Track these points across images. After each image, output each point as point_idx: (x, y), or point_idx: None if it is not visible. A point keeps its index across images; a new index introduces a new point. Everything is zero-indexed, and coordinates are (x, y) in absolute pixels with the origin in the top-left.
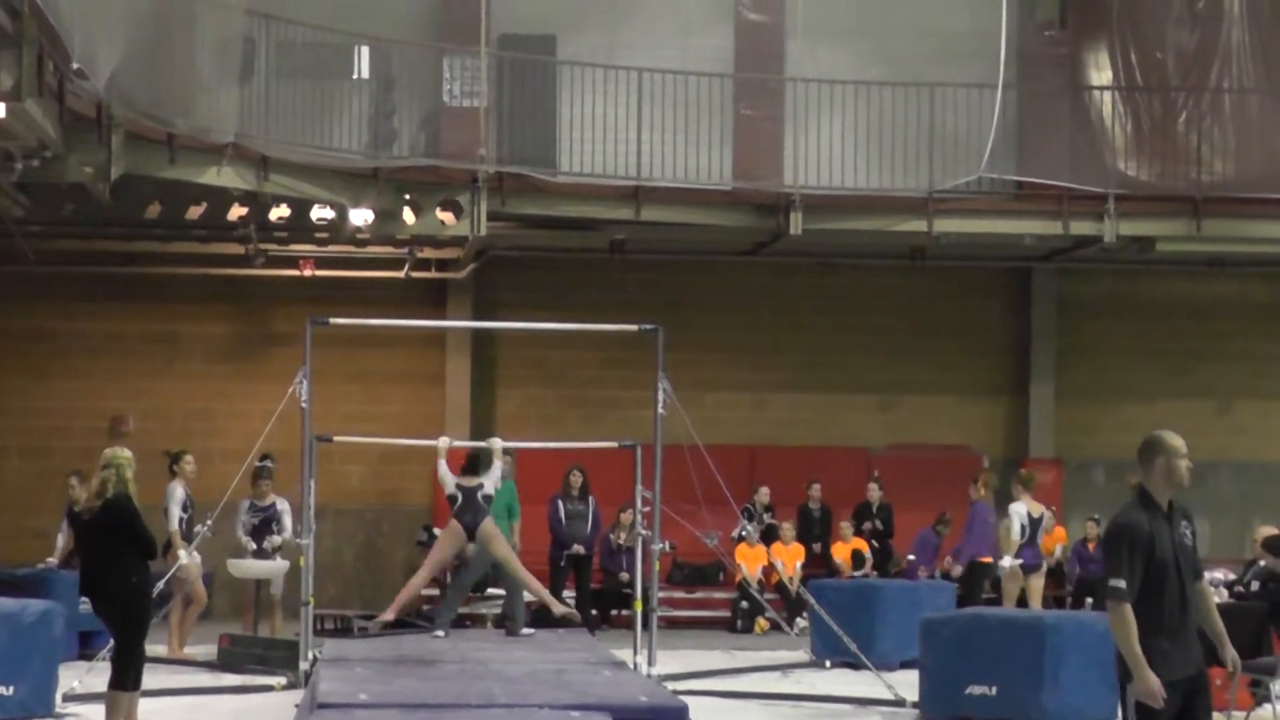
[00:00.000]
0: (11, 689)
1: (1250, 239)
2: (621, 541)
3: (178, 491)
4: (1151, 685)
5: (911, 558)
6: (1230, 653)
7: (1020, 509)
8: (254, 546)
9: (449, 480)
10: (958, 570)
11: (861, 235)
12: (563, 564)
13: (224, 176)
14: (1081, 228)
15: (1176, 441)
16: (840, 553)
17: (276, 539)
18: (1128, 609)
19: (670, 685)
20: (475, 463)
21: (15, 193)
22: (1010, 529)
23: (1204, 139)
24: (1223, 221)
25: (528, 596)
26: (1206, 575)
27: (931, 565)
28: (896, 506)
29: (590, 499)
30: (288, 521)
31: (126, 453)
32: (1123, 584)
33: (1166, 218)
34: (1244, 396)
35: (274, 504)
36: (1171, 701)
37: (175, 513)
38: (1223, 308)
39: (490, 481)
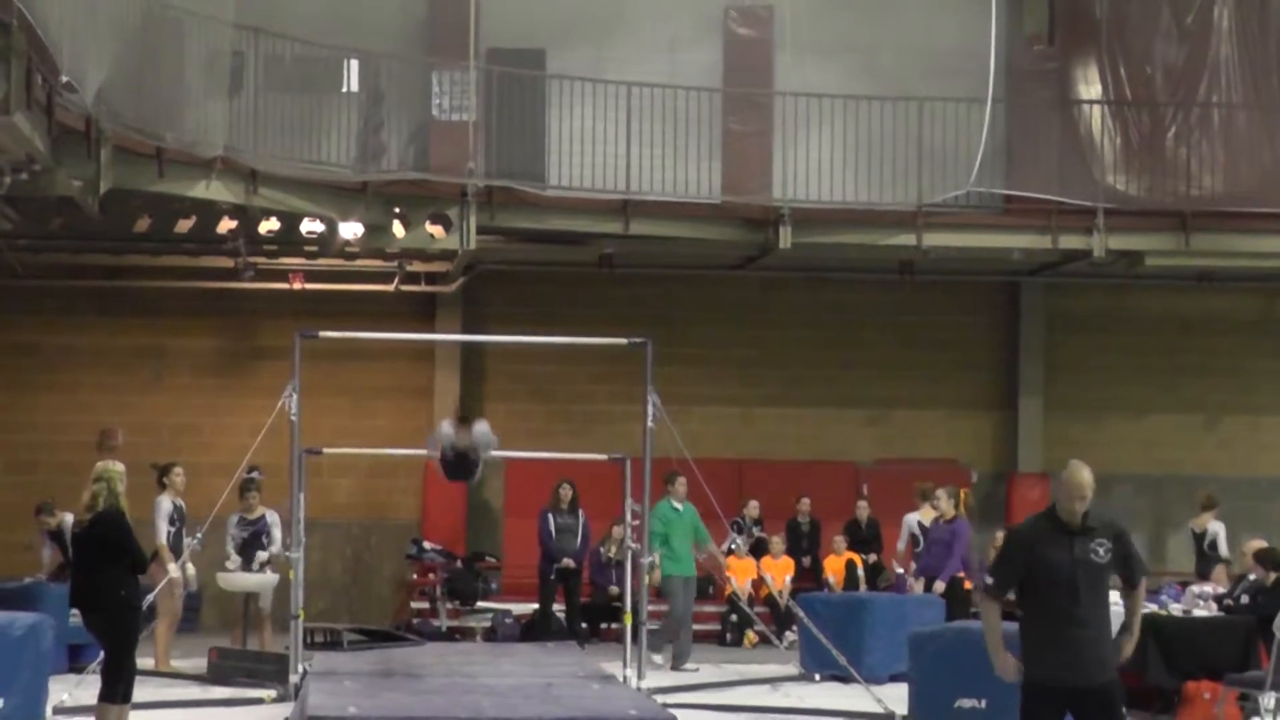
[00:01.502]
0: (1, 701)
1: (1239, 254)
2: (611, 555)
3: (164, 505)
4: (1005, 664)
5: (900, 571)
6: (1121, 639)
7: (913, 519)
8: (240, 561)
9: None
10: (939, 587)
11: (850, 249)
12: (552, 577)
13: (213, 190)
14: (1070, 242)
15: (1075, 479)
16: (832, 566)
17: (264, 554)
18: (990, 604)
19: (659, 699)
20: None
21: (3, 206)
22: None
23: (1193, 153)
24: (1211, 236)
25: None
26: (1194, 589)
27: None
28: (885, 521)
29: (580, 512)
30: (277, 534)
31: (119, 466)
32: (991, 579)
33: (1155, 232)
34: (1232, 411)
35: (263, 517)
36: (1050, 704)
37: (162, 526)
38: (1211, 322)
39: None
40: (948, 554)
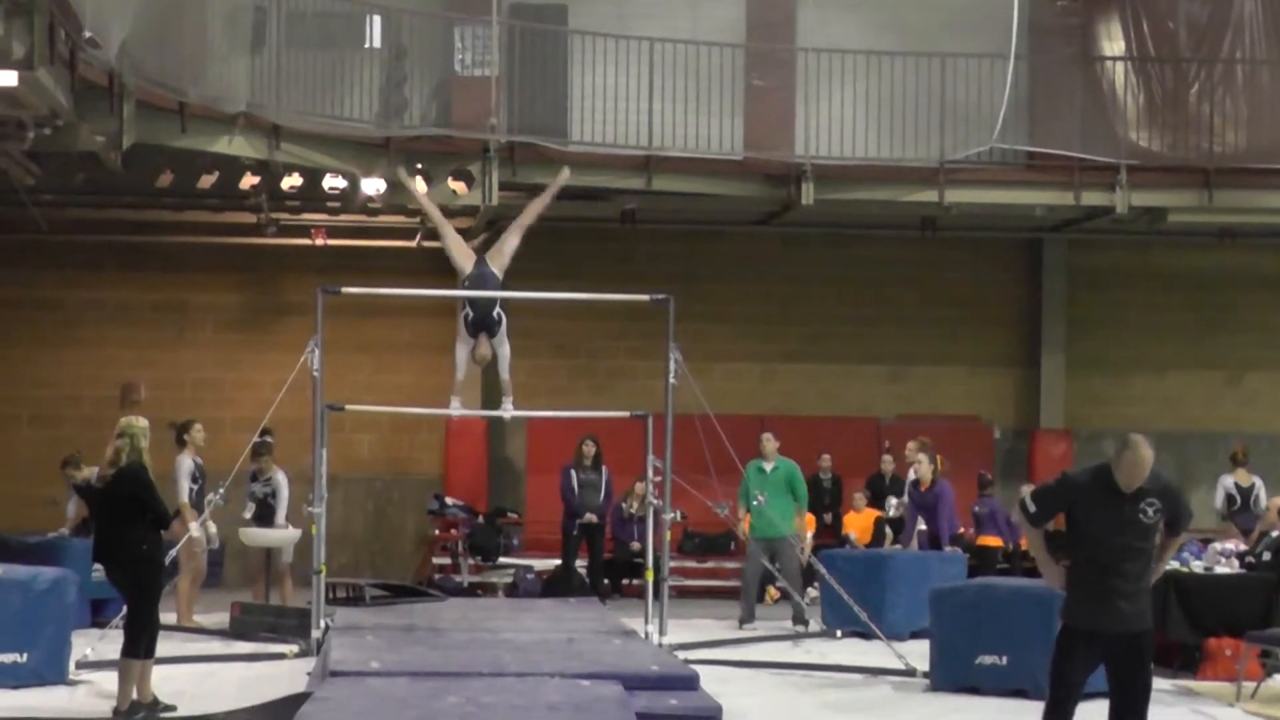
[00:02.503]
0: (25, 656)
1: (1262, 210)
2: (633, 511)
3: (186, 463)
4: (1053, 576)
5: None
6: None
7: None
8: (262, 515)
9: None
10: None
11: (872, 205)
12: (575, 533)
13: (235, 146)
14: (1093, 198)
15: (1136, 459)
16: (853, 524)
17: (282, 512)
18: (1030, 530)
19: (681, 654)
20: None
21: (27, 161)
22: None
23: (1216, 110)
24: (1234, 192)
25: (540, 564)
26: (1217, 545)
27: (1012, 535)
28: (907, 477)
29: (603, 468)
30: (284, 494)
31: (142, 422)
32: (1033, 508)
33: (1178, 189)
34: (1255, 368)
35: (272, 478)
36: (1082, 648)
37: (185, 485)
38: (1234, 279)
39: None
40: (936, 519)
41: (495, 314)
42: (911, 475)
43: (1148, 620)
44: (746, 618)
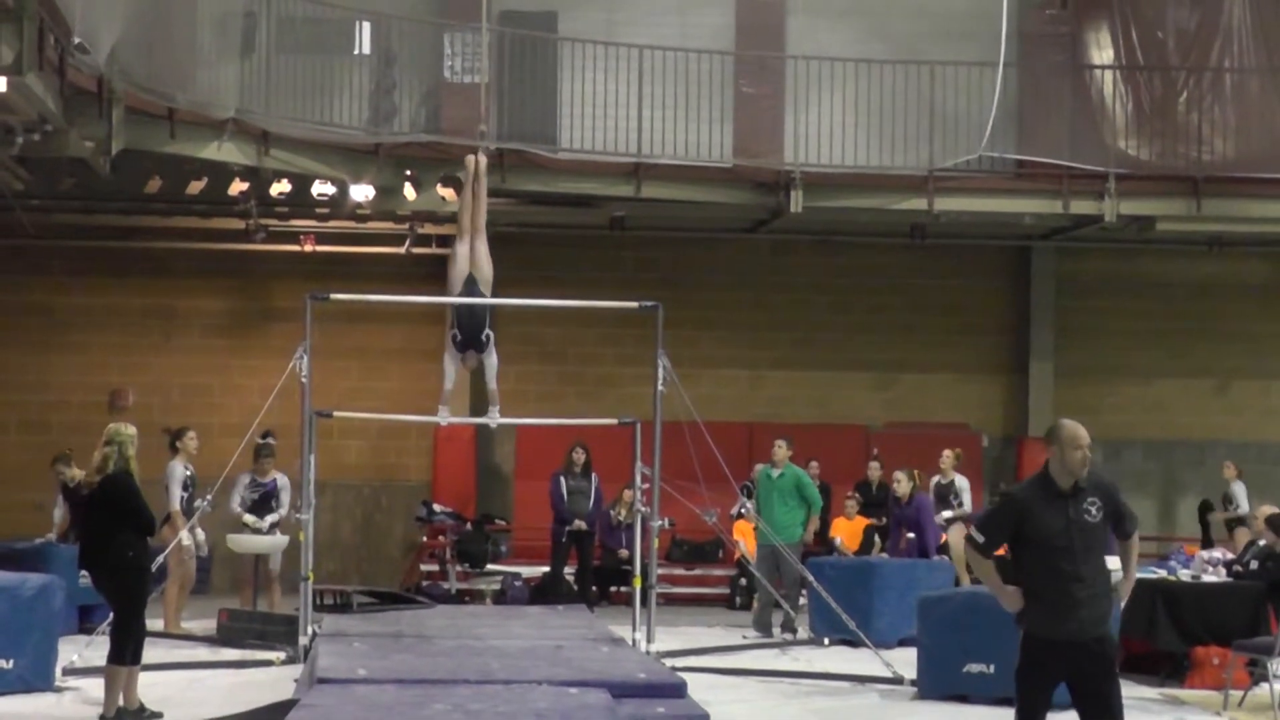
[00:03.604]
0: (11, 662)
1: (1250, 219)
2: (621, 518)
3: (178, 470)
4: (1009, 593)
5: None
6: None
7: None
8: (254, 520)
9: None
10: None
11: (861, 213)
12: (564, 540)
13: (224, 151)
14: (1081, 207)
15: (1073, 433)
16: (842, 530)
17: (274, 516)
18: (979, 559)
19: (669, 662)
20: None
21: (15, 166)
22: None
23: (1205, 118)
24: (1223, 201)
25: (528, 571)
26: (1204, 554)
27: None
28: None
29: (592, 476)
30: (286, 497)
31: (130, 429)
32: (981, 538)
33: (1166, 197)
34: (1242, 376)
35: (274, 480)
36: (1046, 659)
37: (176, 492)
38: (1222, 287)
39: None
40: (921, 531)
41: (484, 336)
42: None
43: (1108, 626)
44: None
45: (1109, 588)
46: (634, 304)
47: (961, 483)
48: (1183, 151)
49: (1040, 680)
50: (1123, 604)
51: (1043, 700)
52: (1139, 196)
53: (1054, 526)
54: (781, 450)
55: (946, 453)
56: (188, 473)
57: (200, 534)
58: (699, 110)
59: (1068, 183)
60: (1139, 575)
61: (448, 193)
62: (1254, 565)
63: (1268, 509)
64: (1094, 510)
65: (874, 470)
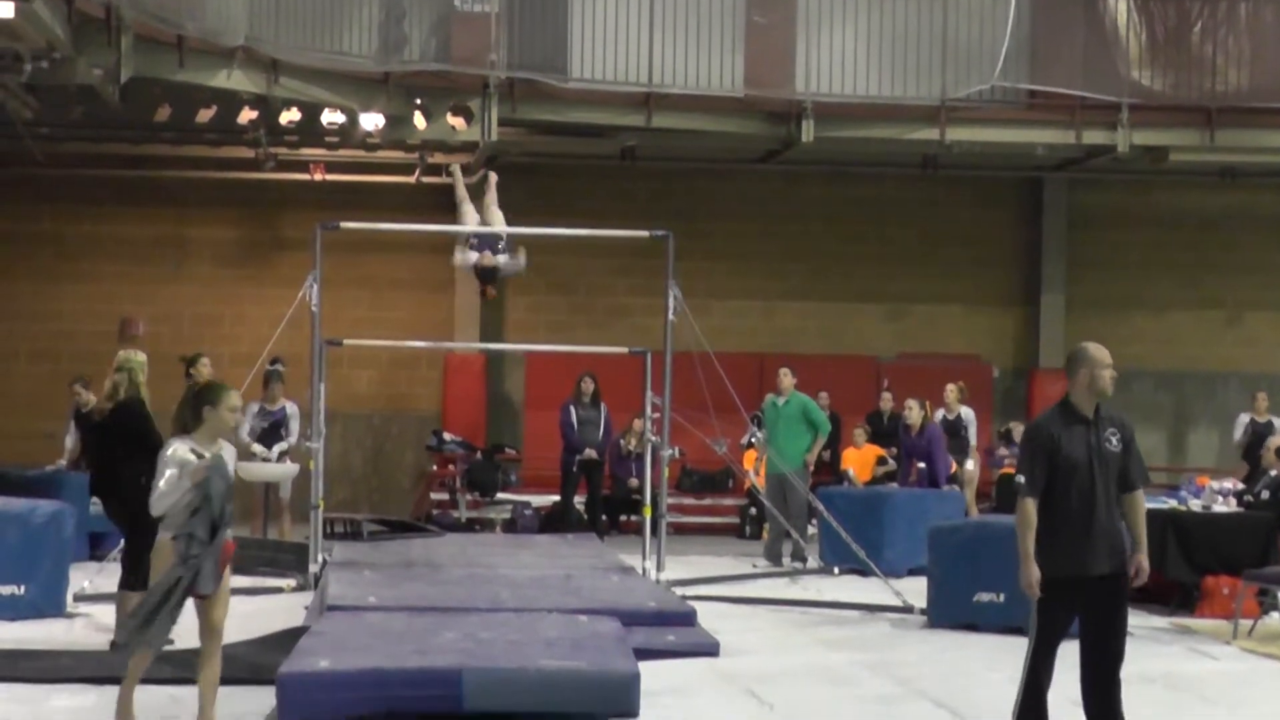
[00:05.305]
0: (23, 589)
1: (1263, 149)
2: (631, 448)
3: None
4: (1029, 577)
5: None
6: (1139, 559)
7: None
8: (263, 451)
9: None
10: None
11: (873, 144)
12: (574, 469)
13: (234, 80)
14: (1094, 138)
15: (1100, 353)
16: (852, 460)
17: (284, 444)
18: (1027, 504)
19: (678, 590)
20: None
21: (24, 95)
22: None
23: (1218, 49)
24: (1236, 132)
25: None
26: (1214, 484)
27: None
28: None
29: (602, 405)
30: (295, 425)
31: (140, 356)
32: (1022, 481)
33: (1180, 128)
34: (1254, 308)
35: (283, 408)
36: (1070, 597)
37: None
38: (1235, 219)
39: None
40: (932, 461)
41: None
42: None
43: (1121, 559)
44: (774, 556)
45: (1120, 520)
46: (645, 233)
47: (968, 415)
48: (1196, 82)
49: (1060, 614)
50: (1143, 578)
51: (1061, 631)
52: (1152, 127)
53: (1077, 455)
54: (787, 378)
55: (950, 387)
56: None
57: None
58: (710, 40)
59: (1080, 113)
60: (1148, 506)
61: (457, 122)
62: (1265, 495)
63: (1277, 440)
64: (1114, 440)
65: (885, 401)
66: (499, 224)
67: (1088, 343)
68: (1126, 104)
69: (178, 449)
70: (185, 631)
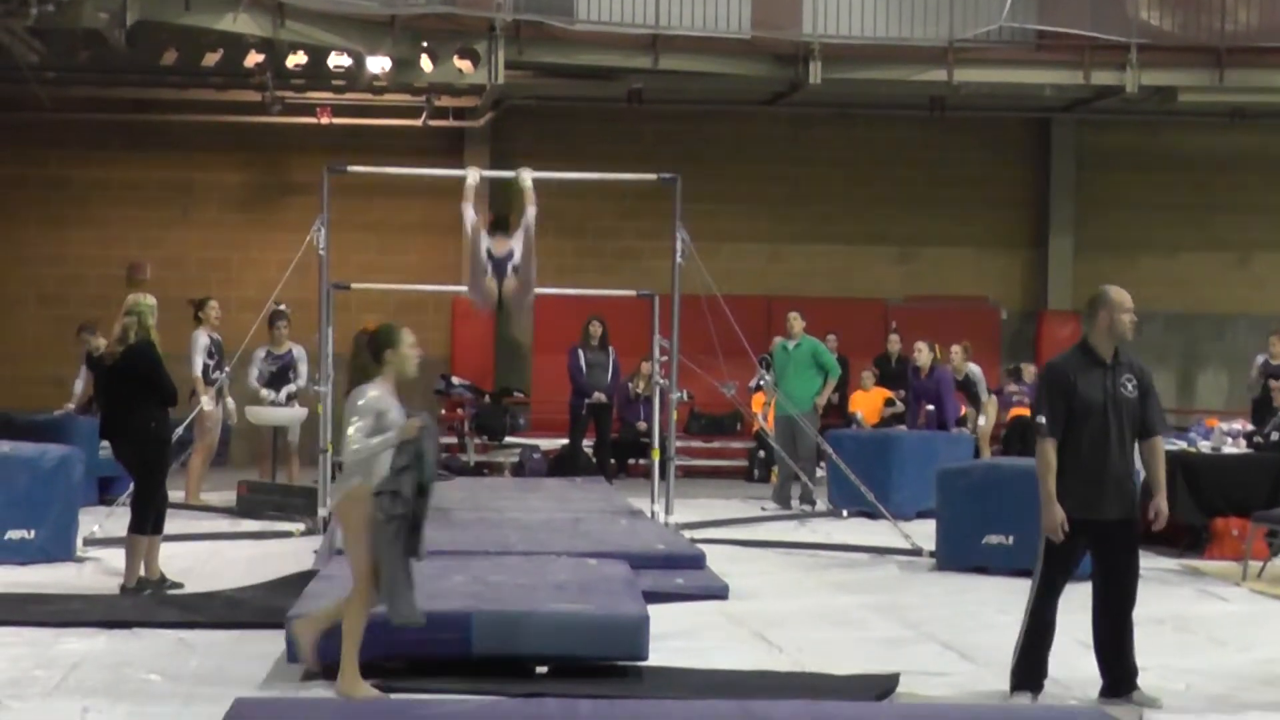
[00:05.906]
0: (32, 533)
1: (1273, 90)
2: (640, 391)
3: (201, 339)
4: (1053, 519)
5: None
6: (1157, 502)
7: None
8: (270, 395)
9: (482, 242)
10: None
11: (881, 85)
12: (583, 413)
13: (240, 23)
14: (1103, 78)
15: (1121, 297)
16: (860, 402)
17: (292, 386)
18: (1047, 445)
19: (687, 534)
20: (504, 223)
21: (30, 38)
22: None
23: None
24: (1246, 72)
25: (547, 444)
26: (1223, 426)
27: None
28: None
29: (610, 349)
30: (303, 369)
31: (150, 299)
32: (1043, 421)
33: (1189, 68)
34: (1264, 249)
35: (290, 351)
36: (1078, 539)
37: (198, 360)
38: (1244, 160)
39: (519, 247)
40: (941, 403)
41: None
42: (913, 362)
43: (1134, 504)
44: (783, 499)
45: (1134, 464)
46: (652, 176)
47: (975, 373)
48: (1205, 22)
49: (1068, 555)
50: (1163, 521)
51: (1066, 573)
52: (1161, 67)
53: (1093, 398)
54: (798, 323)
55: (955, 348)
56: (209, 341)
57: (230, 403)
58: None
59: (1089, 54)
60: None
61: (464, 64)
62: (1274, 437)
63: None
64: (1130, 386)
65: (893, 343)
66: (515, 248)
67: (1109, 285)
68: (1135, 44)
69: (379, 397)
70: (191, 574)
